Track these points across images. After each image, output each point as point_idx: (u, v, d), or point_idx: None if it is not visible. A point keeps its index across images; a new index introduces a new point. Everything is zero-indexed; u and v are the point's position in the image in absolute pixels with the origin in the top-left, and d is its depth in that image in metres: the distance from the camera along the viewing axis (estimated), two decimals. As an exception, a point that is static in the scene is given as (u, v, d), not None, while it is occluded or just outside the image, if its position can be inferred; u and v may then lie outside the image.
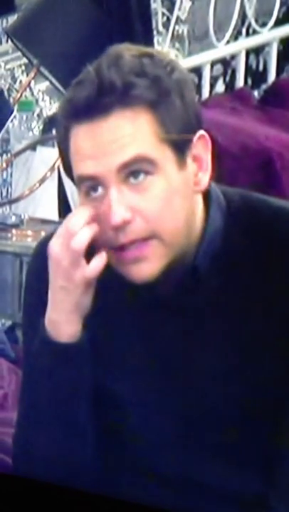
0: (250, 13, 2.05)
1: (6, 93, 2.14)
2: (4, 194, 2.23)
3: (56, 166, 1.87)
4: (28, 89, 2.11)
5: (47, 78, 1.88)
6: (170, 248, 0.80)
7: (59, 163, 1.86)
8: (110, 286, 0.84)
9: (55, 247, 0.81)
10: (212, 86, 2.22)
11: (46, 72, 1.84)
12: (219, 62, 2.27)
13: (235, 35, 2.14)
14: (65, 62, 1.74)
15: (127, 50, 0.80)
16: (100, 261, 0.80)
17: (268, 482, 0.86)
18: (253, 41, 2.11)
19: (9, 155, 2.10)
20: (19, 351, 1.63)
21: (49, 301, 0.83)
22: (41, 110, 2.24)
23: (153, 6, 2.07)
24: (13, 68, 2.31)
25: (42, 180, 1.89)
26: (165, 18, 2.26)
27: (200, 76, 2.04)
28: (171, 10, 2.25)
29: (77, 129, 0.79)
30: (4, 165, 2.07)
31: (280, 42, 2.11)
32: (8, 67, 2.29)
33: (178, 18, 2.27)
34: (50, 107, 2.23)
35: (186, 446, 0.87)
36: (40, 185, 1.90)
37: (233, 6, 2.02)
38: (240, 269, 0.84)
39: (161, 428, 0.87)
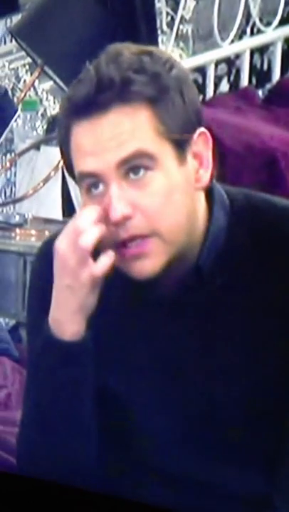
0: (254, 12, 2.05)
1: (10, 92, 2.14)
2: (8, 193, 2.23)
3: (60, 166, 1.87)
4: (32, 89, 2.11)
5: (51, 78, 1.88)
6: (171, 245, 0.80)
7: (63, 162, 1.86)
8: (113, 286, 0.84)
9: (62, 245, 0.81)
10: (216, 85, 2.22)
11: (50, 72, 1.84)
12: (223, 61, 2.27)
13: (240, 35, 2.14)
14: (69, 62, 1.74)
15: (126, 48, 0.81)
16: (108, 259, 0.80)
17: (272, 482, 0.85)
18: (258, 40, 2.11)
19: (13, 154, 2.10)
20: (23, 351, 1.63)
21: (53, 300, 0.83)
22: (45, 110, 2.23)
23: (157, 5, 2.07)
24: (17, 68, 2.31)
25: (46, 180, 1.89)
26: (169, 18, 2.25)
27: (204, 75, 2.04)
28: (175, 9, 2.24)
29: (78, 126, 0.79)
30: (8, 164, 2.07)
31: (284, 41, 2.11)
32: (12, 66, 2.29)
33: (182, 17, 2.27)
34: (54, 107, 2.23)
35: (189, 445, 0.87)
36: (44, 184, 1.90)
37: (238, 5, 2.02)
38: (243, 268, 0.84)
39: (164, 427, 0.87)
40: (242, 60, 2.01)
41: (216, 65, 2.09)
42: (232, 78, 2.32)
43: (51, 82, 1.96)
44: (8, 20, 2.24)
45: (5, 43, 2.36)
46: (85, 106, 0.79)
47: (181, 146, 0.80)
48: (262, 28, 2.08)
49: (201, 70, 1.96)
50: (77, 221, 0.81)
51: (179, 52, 2.26)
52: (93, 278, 0.80)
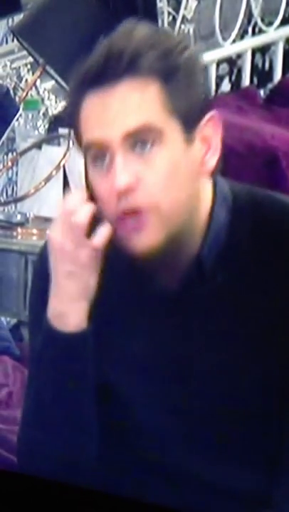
0: (256, 12, 2.05)
1: (11, 92, 2.14)
2: (10, 193, 2.23)
3: (62, 165, 1.88)
4: (33, 88, 2.11)
5: (53, 77, 1.88)
6: (169, 222, 0.80)
7: (64, 161, 1.86)
8: (114, 279, 0.84)
9: (55, 233, 0.82)
10: (218, 85, 2.22)
11: (52, 71, 1.84)
12: (225, 61, 2.27)
13: (241, 34, 2.14)
14: (70, 61, 1.74)
15: (141, 25, 0.82)
16: (105, 230, 0.81)
17: (272, 480, 0.85)
18: (259, 40, 2.11)
19: (15, 154, 2.10)
20: (24, 349, 1.63)
21: (52, 292, 0.83)
22: (47, 109, 2.24)
23: (159, 5, 2.07)
24: (19, 67, 2.31)
25: (47, 179, 1.89)
26: (171, 17, 2.26)
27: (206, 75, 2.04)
28: (177, 9, 2.24)
29: (88, 98, 0.81)
30: (10, 163, 2.07)
31: (286, 41, 2.11)
32: (13, 66, 2.29)
33: (184, 17, 2.27)
34: (55, 106, 2.23)
35: (190, 442, 0.87)
36: (45, 183, 1.90)
37: (239, 5, 2.02)
38: (245, 265, 0.84)
39: (165, 424, 0.87)
40: (243, 59, 2.01)
41: (218, 65, 2.09)
42: (233, 78, 2.32)
43: (53, 82, 1.96)
44: (10, 20, 2.24)
45: (7, 42, 2.36)
46: (95, 77, 0.80)
47: (189, 126, 0.81)
48: (263, 27, 2.08)
49: (203, 70, 1.96)
50: (66, 205, 0.82)
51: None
52: (93, 254, 0.81)
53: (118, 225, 0.81)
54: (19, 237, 1.91)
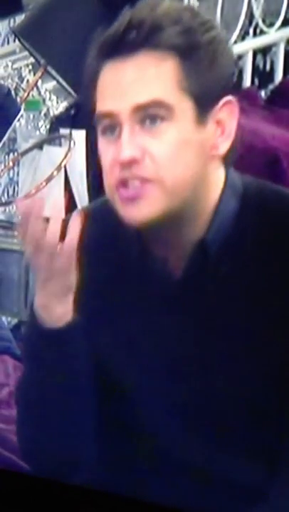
0: (257, 13, 2.05)
1: (13, 92, 2.15)
2: (11, 193, 2.24)
3: (63, 165, 1.88)
4: (35, 89, 2.12)
5: (54, 78, 1.88)
6: (170, 195, 0.80)
7: (65, 162, 1.86)
8: (118, 265, 0.85)
9: (27, 250, 0.81)
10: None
11: (53, 72, 1.84)
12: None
13: (243, 36, 2.14)
14: (72, 62, 1.74)
15: (170, 1, 0.83)
16: (75, 230, 0.79)
17: (271, 473, 0.85)
18: (260, 41, 2.11)
19: (16, 154, 2.10)
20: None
21: (37, 289, 0.84)
22: (48, 109, 2.24)
23: (160, 6, 2.07)
24: (20, 68, 2.31)
25: (48, 179, 1.89)
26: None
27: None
28: (178, 10, 2.24)
29: (105, 68, 0.81)
30: (11, 164, 2.08)
31: (287, 42, 2.11)
32: (15, 66, 2.30)
33: (185, 18, 2.26)
34: (57, 107, 2.23)
35: (190, 436, 0.86)
36: (46, 184, 1.90)
37: (241, 6, 2.02)
38: (251, 254, 0.84)
39: (166, 417, 0.87)
40: (244, 60, 2.01)
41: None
42: (234, 79, 2.31)
43: (54, 82, 1.97)
44: (12, 20, 2.25)
45: (8, 42, 2.37)
46: (113, 46, 0.80)
47: (202, 106, 0.80)
48: (265, 29, 2.08)
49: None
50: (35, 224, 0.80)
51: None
52: (67, 257, 0.80)
53: (118, 192, 0.81)
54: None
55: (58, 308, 0.83)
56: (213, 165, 0.83)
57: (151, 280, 0.86)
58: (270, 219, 0.85)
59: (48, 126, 2.17)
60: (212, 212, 0.83)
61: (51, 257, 0.80)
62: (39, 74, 1.91)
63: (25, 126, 2.18)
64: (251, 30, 2.23)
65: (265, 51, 2.24)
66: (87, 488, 0.90)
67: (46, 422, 0.87)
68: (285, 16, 2.08)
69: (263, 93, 2.06)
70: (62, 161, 1.86)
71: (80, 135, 1.86)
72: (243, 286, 0.84)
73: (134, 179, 0.80)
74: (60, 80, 1.84)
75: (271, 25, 2.09)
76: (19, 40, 1.93)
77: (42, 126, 2.21)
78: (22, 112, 2.04)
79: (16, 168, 2.12)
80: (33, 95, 2.13)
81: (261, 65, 2.29)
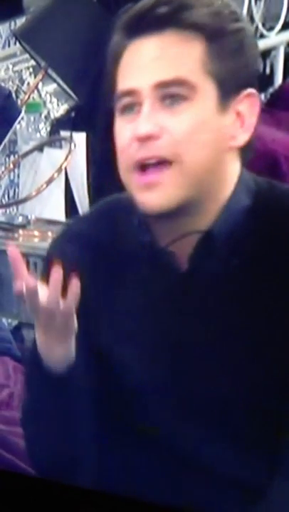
0: (257, 17, 2.06)
1: (13, 95, 2.15)
2: (11, 195, 2.24)
3: (63, 168, 1.88)
4: (35, 91, 2.12)
5: (55, 80, 1.89)
6: (189, 180, 0.79)
7: (66, 164, 1.87)
8: (124, 257, 0.85)
9: (29, 309, 0.80)
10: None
11: (54, 75, 1.85)
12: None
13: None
14: (72, 65, 1.75)
15: None
16: (74, 293, 0.79)
17: (273, 472, 0.85)
18: (260, 45, 2.11)
19: (16, 156, 2.11)
20: (25, 350, 1.63)
21: (37, 330, 0.83)
22: (49, 112, 2.24)
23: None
24: (21, 70, 2.32)
25: (49, 182, 1.90)
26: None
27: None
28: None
29: (129, 46, 0.80)
30: (11, 166, 2.08)
31: (287, 45, 2.11)
32: (16, 69, 2.30)
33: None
34: (57, 109, 2.24)
35: (192, 434, 0.86)
36: (47, 186, 1.91)
37: (241, 10, 2.03)
38: (260, 252, 0.84)
39: (167, 416, 0.87)
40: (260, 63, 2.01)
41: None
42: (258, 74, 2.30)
43: (55, 85, 1.97)
44: (13, 23, 2.25)
45: (9, 45, 2.37)
46: (140, 21, 0.79)
47: (225, 93, 0.80)
48: (264, 32, 2.09)
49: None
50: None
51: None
52: (67, 314, 0.80)
53: (135, 176, 0.80)
54: (21, 239, 1.91)
55: (58, 350, 0.82)
56: (230, 156, 0.82)
57: (158, 273, 0.85)
58: (283, 218, 0.84)
59: (48, 129, 2.18)
60: (223, 205, 0.83)
61: (50, 316, 0.80)
62: (40, 76, 1.91)
63: (25, 129, 2.18)
64: (251, 34, 2.24)
65: (265, 54, 2.25)
66: (88, 489, 0.90)
67: (49, 425, 0.87)
68: (284, 20, 2.09)
69: (262, 96, 2.07)
70: (62, 163, 1.87)
71: (80, 137, 1.86)
72: (249, 282, 0.83)
73: (152, 159, 0.78)
74: (61, 82, 1.84)
75: (271, 28, 2.10)
76: (20, 42, 1.94)
77: (42, 128, 2.22)
78: (23, 114, 2.04)
79: (16, 170, 2.12)
80: (33, 98, 2.14)
81: (261, 68, 2.29)
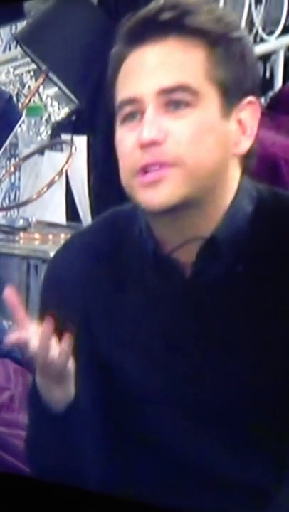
0: (257, 21, 2.06)
1: (14, 98, 2.16)
2: (12, 197, 2.24)
3: (64, 171, 1.89)
4: (36, 95, 2.13)
5: (55, 84, 1.90)
6: (191, 180, 0.79)
7: (67, 167, 1.87)
8: (128, 266, 0.85)
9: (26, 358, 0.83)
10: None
11: (55, 78, 1.86)
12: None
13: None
14: (73, 69, 1.76)
15: None
16: (67, 342, 0.80)
17: (279, 476, 0.85)
18: (260, 49, 2.12)
19: (17, 159, 2.11)
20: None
21: (37, 372, 0.84)
22: (49, 115, 2.25)
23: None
24: (22, 74, 2.33)
25: (50, 184, 1.90)
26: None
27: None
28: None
29: (131, 54, 0.80)
30: (12, 169, 2.09)
31: (287, 50, 2.12)
32: (16, 72, 2.31)
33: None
34: (58, 112, 2.24)
35: (195, 437, 0.86)
36: (48, 189, 1.91)
37: (241, 14, 2.04)
38: (265, 259, 0.84)
39: (170, 419, 0.87)
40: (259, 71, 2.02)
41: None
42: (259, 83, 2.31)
43: (56, 88, 1.98)
44: (14, 27, 2.26)
45: (10, 49, 2.38)
46: (143, 28, 0.79)
47: (227, 99, 0.80)
48: (265, 37, 2.10)
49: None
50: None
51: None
52: (63, 359, 0.80)
53: (138, 179, 0.80)
54: (21, 241, 1.92)
55: (57, 392, 0.83)
56: (232, 162, 0.83)
57: (162, 280, 0.86)
58: (285, 225, 0.84)
59: (49, 132, 2.18)
60: (225, 211, 0.83)
61: (44, 363, 0.81)
62: (40, 80, 1.92)
63: (26, 132, 2.19)
64: (251, 38, 2.25)
65: (265, 59, 2.26)
66: (88, 491, 0.90)
67: (51, 431, 0.87)
68: (284, 25, 2.10)
69: (262, 100, 2.08)
70: (63, 166, 1.87)
71: (81, 140, 1.87)
72: (253, 288, 0.83)
73: (156, 164, 0.78)
74: (62, 86, 1.85)
75: (271, 33, 2.10)
76: (21, 46, 1.95)
77: (43, 131, 2.22)
78: (23, 117, 2.05)
79: (17, 173, 2.13)
80: (34, 101, 2.15)
81: (261, 73, 2.30)
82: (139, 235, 0.86)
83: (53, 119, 2.24)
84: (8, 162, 2.18)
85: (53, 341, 0.80)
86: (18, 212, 2.06)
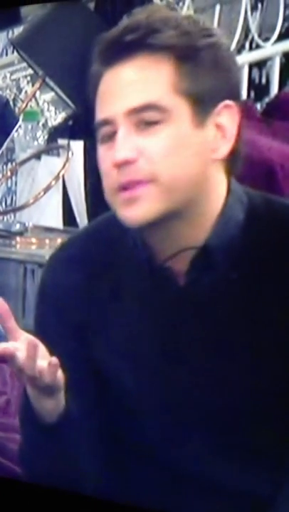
0: (253, 28, 2.08)
1: (11, 103, 2.16)
2: (9, 202, 2.25)
3: (61, 175, 1.89)
4: (33, 100, 2.13)
5: (52, 89, 1.90)
6: (168, 195, 0.80)
7: (63, 172, 1.88)
8: (122, 275, 0.85)
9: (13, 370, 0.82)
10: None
11: (51, 83, 1.86)
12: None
13: (239, 49, 2.17)
14: (70, 74, 1.76)
15: (170, 9, 0.84)
16: (53, 367, 0.79)
17: (276, 483, 0.85)
18: (256, 55, 2.13)
19: (14, 164, 2.12)
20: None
21: (28, 386, 0.84)
22: (46, 120, 2.26)
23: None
24: (19, 79, 2.33)
25: (46, 189, 1.91)
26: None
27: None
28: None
29: (105, 75, 0.81)
30: (9, 173, 2.09)
31: (282, 56, 2.13)
32: (13, 77, 2.32)
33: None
34: (55, 117, 2.25)
35: (193, 444, 0.86)
36: (44, 193, 1.92)
37: (237, 20, 2.05)
38: (259, 266, 0.84)
39: (168, 426, 0.87)
40: (241, 74, 2.03)
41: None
42: (240, 85, 2.32)
43: (52, 93, 1.98)
44: (10, 32, 2.27)
45: (6, 54, 2.39)
46: (111, 50, 0.80)
47: (200, 109, 0.80)
48: (260, 43, 2.11)
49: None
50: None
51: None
52: (52, 372, 0.80)
53: (118, 196, 0.81)
54: (18, 246, 1.92)
55: (47, 403, 0.83)
56: (214, 168, 0.83)
57: (156, 289, 0.86)
58: (280, 230, 0.85)
59: (46, 137, 2.19)
60: (216, 218, 0.83)
61: (32, 376, 0.80)
62: (37, 85, 1.92)
63: (23, 137, 2.19)
64: (247, 44, 2.26)
65: (260, 65, 2.27)
66: (85, 496, 0.90)
67: (44, 441, 0.87)
68: (280, 31, 2.11)
69: (258, 106, 2.08)
70: (60, 171, 1.87)
71: (78, 145, 1.87)
72: (246, 295, 0.84)
73: (131, 182, 0.80)
74: (58, 91, 1.86)
75: (267, 39, 2.12)
76: (18, 51, 1.95)
77: (40, 136, 2.23)
78: (20, 122, 2.05)
79: (14, 178, 2.13)
80: (31, 106, 2.15)
81: (257, 79, 2.31)
82: (133, 243, 0.87)
83: (49, 124, 2.25)
84: (4, 167, 2.19)
85: (41, 353, 0.80)
86: (14, 216, 2.06)
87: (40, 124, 2.25)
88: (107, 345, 0.87)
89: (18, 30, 2.06)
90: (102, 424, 0.88)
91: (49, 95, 2.12)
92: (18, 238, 1.94)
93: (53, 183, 1.90)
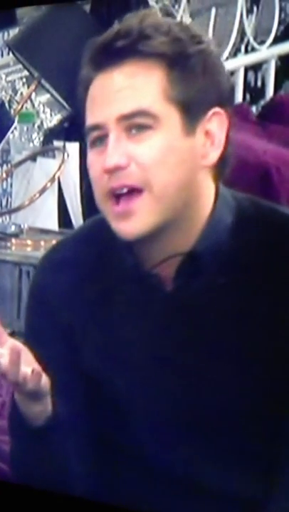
0: (249, 31, 2.08)
1: (6, 105, 2.16)
2: (4, 204, 2.24)
3: (56, 177, 1.89)
4: (28, 101, 2.13)
5: (48, 91, 1.90)
6: (161, 205, 0.80)
7: (59, 174, 1.88)
8: (109, 280, 0.86)
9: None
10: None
11: (47, 85, 1.86)
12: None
13: (234, 52, 2.17)
14: (65, 76, 1.76)
15: (166, 12, 0.83)
16: (36, 375, 0.80)
17: (266, 486, 0.85)
18: (252, 58, 2.14)
19: (9, 165, 2.11)
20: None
21: (15, 392, 0.84)
22: (42, 122, 2.26)
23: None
24: (14, 80, 2.33)
25: (42, 191, 1.90)
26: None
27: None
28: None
29: (94, 80, 0.82)
30: (4, 175, 2.09)
31: (278, 59, 2.14)
32: (9, 79, 2.31)
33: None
34: (50, 119, 2.25)
35: (184, 447, 0.87)
36: (40, 195, 1.91)
37: (233, 23, 2.06)
38: (248, 271, 0.85)
39: (159, 428, 0.87)
40: (236, 77, 2.04)
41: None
42: (230, 92, 2.33)
43: (48, 95, 1.98)
44: (6, 34, 2.27)
45: (2, 55, 2.39)
46: (102, 55, 0.80)
47: (190, 116, 0.81)
48: (256, 46, 2.12)
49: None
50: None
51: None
52: (37, 378, 0.81)
53: (110, 207, 0.81)
54: (13, 248, 1.92)
55: (34, 407, 0.84)
56: (203, 175, 0.83)
57: (144, 295, 0.86)
58: (268, 233, 0.85)
59: (41, 139, 2.19)
60: (204, 224, 0.83)
61: (16, 382, 0.81)
62: (33, 87, 1.92)
63: (18, 138, 2.19)
64: (243, 48, 2.27)
65: (256, 68, 2.27)
66: (78, 498, 0.90)
67: (33, 445, 0.88)
68: (275, 34, 2.12)
69: (254, 109, 2.09)
70: (55, 173, 1.87)
71: (73, 147, 1.87)
72: (234, 299, 0.84)
73: (122, 188, 0.80)
74: (54, 93, 1.86)
75: (262, 42, 2.12)
76: (13, 53, 1.95)
77: (35, 138, 2.23)
78: (16, 124, 2.05)
79: (9, 180, 2.13)
80: (26, 108, 2.15)
81: (253, 82, 2.32)
82: (121, 250, 0.87)
83: (45, 126, 2.24)
84: (0, 168, 2.18)
85: (26, 360, 0.80)
86: (10, 218, 2.06)
87: (36, 125, 2.25)
88: (96, 348, 0.87)
89: (13, 32, 2.06)
90: (92, 427, 0.89)
91: (44, 97, 2.12)
92: (13, 240, 1.94)
93: (49, 184, 1.89)
